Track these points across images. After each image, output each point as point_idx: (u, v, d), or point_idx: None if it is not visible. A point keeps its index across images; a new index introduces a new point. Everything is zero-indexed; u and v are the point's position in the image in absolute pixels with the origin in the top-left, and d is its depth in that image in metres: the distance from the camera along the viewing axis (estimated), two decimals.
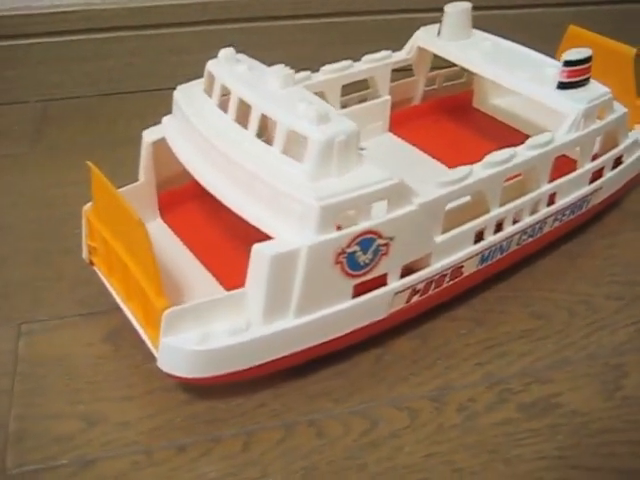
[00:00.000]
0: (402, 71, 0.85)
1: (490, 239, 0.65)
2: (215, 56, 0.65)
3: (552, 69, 0.72)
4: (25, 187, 0.85)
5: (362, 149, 0.80)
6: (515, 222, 0.67)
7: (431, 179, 0.75)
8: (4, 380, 0.61)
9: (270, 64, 0.99)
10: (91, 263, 0.66)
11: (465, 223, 0.63)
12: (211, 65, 0.63)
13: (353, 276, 0.56)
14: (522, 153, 0.64)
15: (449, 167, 0.77)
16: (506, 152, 0.63)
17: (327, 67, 0.76)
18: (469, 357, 0.64)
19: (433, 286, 0.63)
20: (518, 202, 0.66)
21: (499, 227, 0.66)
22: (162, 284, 0.54)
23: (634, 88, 0.84)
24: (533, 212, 0.68)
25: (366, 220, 0.55)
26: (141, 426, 0.57)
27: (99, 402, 0.59)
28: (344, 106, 0.80)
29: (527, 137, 0.82)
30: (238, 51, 0.66)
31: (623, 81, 0.84)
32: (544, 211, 0.69)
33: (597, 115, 0.71)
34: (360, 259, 0.56)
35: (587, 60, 0.70)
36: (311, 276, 0.54)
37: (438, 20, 0.82)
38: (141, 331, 0.58)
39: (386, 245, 0.57)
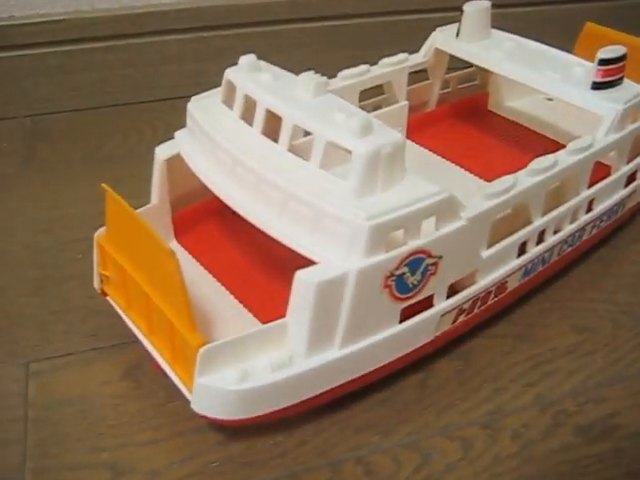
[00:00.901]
0: (414, 74, 0.81)
1: (533, 251, 0.61)
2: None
3: (580, 68, 0.69)
4: (19, 210, 0.79)
5: None
6: (556, 232, 0.63)
7: (458, 187, 0.71)
8: (15, 428, 0.55)
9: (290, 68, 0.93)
10: (103, 293, 0.60)
11: (505, 235, 0.59)
12: (231, 73, 0.58)
13: (401, 299, 0.52)
14: (564, 159, 0.61)
15: (472, 173, 0.74)
16: (549, 159, 0.59)
17: (344, 72, 0.72)
18: (516, 377, 0.60)
19: (479, 304, 0.59)
20: (559, 211, 0.62)
21: (541, 238, 0.62)
22: (195, 320, 0.49)
23: None
24: (573, 220, 0.65)
25: (415, 239, 0.50)
26: (173, 474, 0.52)
27: (124, 448, 0.54)
28: None
29: (545, 138, 0.81)
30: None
31: None
32: (583, 218, 0.66)
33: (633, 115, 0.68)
34: (409, 281, 0.51)
35: (622, 58, 0.66)
36: (359, 303, 0.49)
37: (445, 21, 0.79)
38: (167, 368, 0.53)
39: (435, 264, 0.52)
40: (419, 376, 0.60)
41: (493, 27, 0.77)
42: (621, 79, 0.67)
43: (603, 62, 0.66)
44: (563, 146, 0.65)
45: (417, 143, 0.79)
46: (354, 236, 0.48)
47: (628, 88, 0.68)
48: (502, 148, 0.79)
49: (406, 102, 0.78)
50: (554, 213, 0.62)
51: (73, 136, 0.91)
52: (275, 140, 0.54)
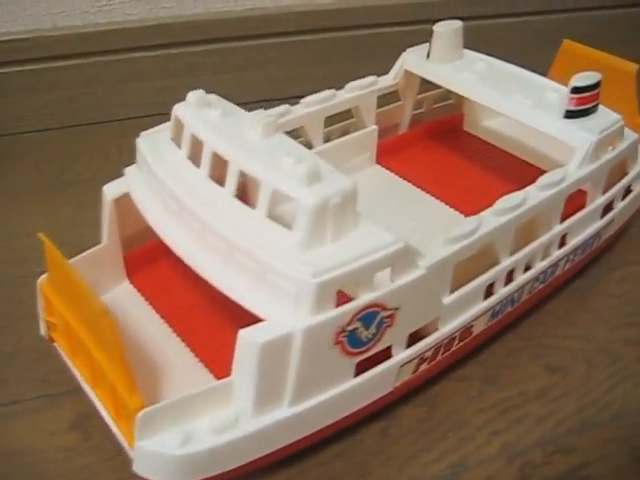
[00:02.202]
0: (387, 95, 0.78)
1: (501, 292, 0.58)
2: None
3: (554, 94, 0.66)
4: None
5: None
6: (526, 269, 0.61)
7: (426, 217, 0.69)
8: None
9: (242, 86, 0.92)
10: (51, 339, 0.57)
11: (472, 275, 0.56)
12: (179, 110, 0.55)
13: (355, 354, 0.49)
14: (533, 195, 0.58)
15: (443, 201, 0.71)
16: (517, 196, 0.56)
17: (308, 99, 0.69)
18: (483, 425, 0.58)
19: (442, 351, 0.56)
20: (530, 248, 0.59)
21: (509, 277, 0.59)
22: (135, 380, 0.46)
23: (637, 106, 0.78)
24: (545, 256, 0.62)
25: (368, 292, 0.47)
26: None
27: None
28: (327, 139, 0.73)
29: (521, 161, 0.78)
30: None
31: (624, 98, 0.78)
32: (556, 254, 0.63)
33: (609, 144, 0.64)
34: (362, 335, 0.48)
35: (596, 85, 0.63)
36: (307, 361, 0.46)
37: (423, 34, 0.75)
38: (112, 424, 0.50)
39: (391, 316, 0.49)
40: (380, 424, 0.57)
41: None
42: (596, 107, 0.64)
43: (576, 90, 0.63)
44: (542, 171, 0.63)
45: (387, 168, 0.76)
46: (300, 293, 0.45)
47: (603, 116, 0.65)
48: (477, 174, 0.76)
49: (375, 126, 0.74)
50: (524, 251, 0.59)
51: (37, 158, 0.88)
52: (223, 183, 0.51)
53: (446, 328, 0.54)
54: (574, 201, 0.63)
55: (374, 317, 0.48)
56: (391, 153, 0.77)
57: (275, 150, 0.49)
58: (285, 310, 0.46)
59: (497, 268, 0.57)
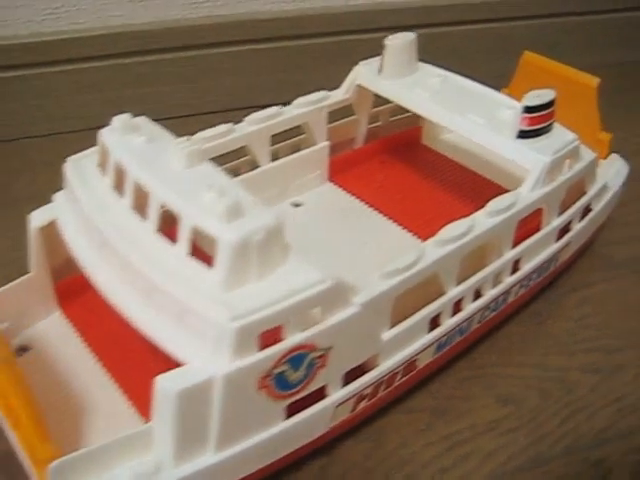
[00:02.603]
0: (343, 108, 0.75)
1: (448, 323, 0.56)
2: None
3: (510, 112, 0.63)
4: None
5: (298, 205, 0.71)
6: (476, 297, 0.58)
7: (377, 241, 0.66)
8: None
9: (196, 97, 0.88)
10: None
11: (417, 306, 0.54)
12: (104, 135, 0.52)
13: (284, 397, 0.46)
14: (482, 222, 0.55)
15: (397, 223, 0.68)
16: (463, 224, 0.54)
17: (253, 116, 0.66)
18: (430, 462, 0.55)
19: (383, 387, 0.53)
20: (479, 276, 0.57)
21: (457, 307, 0.57)
22: (46, 428, 0.44)
23: (599, 121, 0.75)
24: (496, 284, 0.59)
25: (296, 333, 0.44)
26: None
27: None
28: (275, 157, 0.70)
29: (482, 178, 0.75)
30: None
31: (586, 113, 0.75)
32: (508, 280, 0.60)
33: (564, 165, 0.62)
34: (291, 378, 0.46)
35: (550, 104, 0.60)
36: (230, 407, 0.44)
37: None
38: (29, 468, 0.48)
39: (322, 357, 0.47)
40: (320, 462, 0.54)
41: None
42: (550, 126, 0.61)
43: (529, 110, 0.60)
44: (503, 189, 0.60)
45: (340, 186, 0.73)
46: (219, 337, 0.42)
47: (559, 136, 0.62)
48: (436, 193, 0.73)
49: (326, 143, 0.72)
50: (472, 280, 0.56)
51: None
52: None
53: (386, 364, 0.52)
54: (531, 220, 0.61)
55: (303, 358, 0.46)
56: (344, 170, 0.74)
57: (198, 182, 0.46)
58: (205, 354, 0.43)
59: (442, 299, 0.54)
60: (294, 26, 0.93)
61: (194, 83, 0.92)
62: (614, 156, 0.77)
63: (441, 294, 0.55)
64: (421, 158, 0.78)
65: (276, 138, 0.70)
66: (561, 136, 0.62)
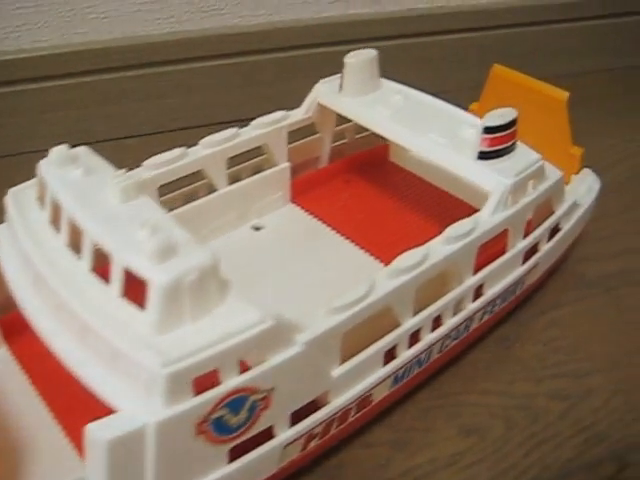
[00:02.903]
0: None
1: (405, 355, 0.54)
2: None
3: (472, 131, 0.61)
4: None
5: (258, 228, 0.69)
6: (436, 327, 0.56)
7: (339, 266, 0.64)
8: None
9: (164, 113, 0.86)
10: None
11: (371, 337, 0.52)
12: (42, 167, 0.50)
13: (224, 441, 0.44)
14: (438, 250, 0.53)
15: (361, 247, 0.66)
16: (418, 253, 0.52)
17: (207, 139, 0.64)
18: None
19: (335, 424, 0.51)
20: (437, 305, 0.55)
21: (415, 337, 0.55)
22: None
23: (569, 135, 0.73)
24: (457, 312, 0.57)
25: (233, 376, 0.43)
26: None
27: None
28: (235, 179, 0.68)
29: (451, 197, 0.73)
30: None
31: (556, 128, 0.73)
32: (471, 307, 0.58)
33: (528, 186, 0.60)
34: (231, 422, 0.44)
35: (511, 124, 0.58)
36: (166, 454, 0.42)
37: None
38: None
39: (265, 398, 0.45)
40: None
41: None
42: (512, 146, 0.60)
43: (489, 130, 0.58)
44: (474, 209, 0.58)
45: (303, 208, 0.71)
46: (151, 384, 0.40)
47: (522, 155, 0.60)
48: (403, 213, 0.70)
49: (287, 164, 0.70)
50: (430, 309, 0.54)
51: None
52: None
53: (338, 401, 0.50)
54: (497, 242, 0.59)
55: (244, 402, 0.44)
56: (308, 190, 0.72)
57: (131, 219, 0.44)
58: (137, 401, 0.41)
59: (397, 331, 0.52)
60: (263, 40, 0.92)
61: (161, 100, 0.90)
62: (586, 171, 0.75)
63: (397, 325, 0.53)
64: (388, 177, 0.76)
65: (238, 159, 0.68)
66: (524, 156, 0.60)
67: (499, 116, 0.58)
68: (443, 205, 0.72)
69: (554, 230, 0.66)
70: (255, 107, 0.91)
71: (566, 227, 0.67)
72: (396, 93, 0.67)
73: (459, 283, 0.56)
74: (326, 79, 0.70)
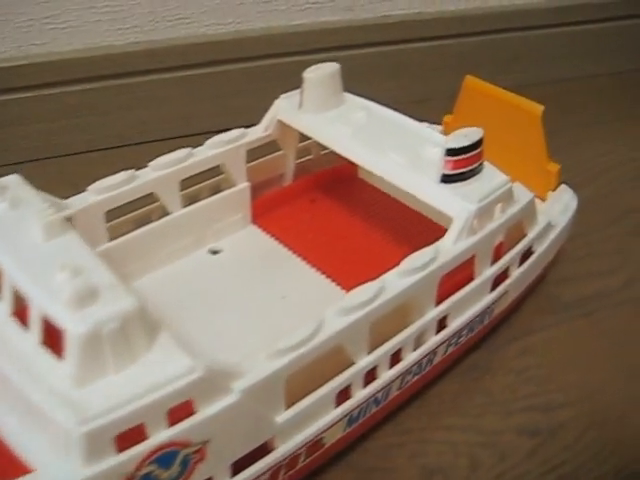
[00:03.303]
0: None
1: (359, 395, 0.50)
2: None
3: (437, 150, 0.57)
4: None
5: (216, 252, 0.66)
6: (395, 363, 0.53)
7: (298, 295, 0.61)
8: None
9: (127, 127, 0.82)
10: None
11: (322, 375, 0.48)
12: None
13: None
14: (393, 284, 0.50)
15: (320, 270, 0.63)
16: (372, 287, 0.48)
17: (158, 160, 0.60)
18: None
19: (283, 471, 0.48)
20: (395, 341, 0.51)
21: (371, 375, 0.51)
22: None
23: (545, 151, 0.70)
24: (418, 346, 0.54)
25: (161, 430, 0.39)
26: None
27: None
28: (193, 199, 0.65)
29: (420, 215, 0.69)
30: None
31: (531, 142, 0.70)
32: (433, 341, 0.55)
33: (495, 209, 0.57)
34: (162, 477, 0.40)
35: (477, 144, 0.55)
36: None
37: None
38: None
39: (199, 451, 0.41)
40: None
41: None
42: (478, 168, 0.56)
43: (452, 152, 0.54)
44: (443, 229, 0.55)
45: (264, 230, 0.68)
46: (67, 442, 0.37)
47: (488, 178, 0.56)
48: (370, 236, 0.67)
49: (246, 184, 0.66)
50: (387, 346, 0.51)
51: None
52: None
53: (284, 448, 0.46)
54: (464, 269, 0.56)
55: (175, 456, 0.40)
56: (270, 211, 0.69)
57: (53, 259, 0.41)
58: (56, 459, 0.38)
59: (351, 370, 0.49)
60: (231, 49, 0.88)
61: (126, 113, 0.87)
62: (563, 187, 0.72)
63: (351, 363, 0.50)
64: (356, 194, 0.72)
65: (196, 178, 0.65)
66: (491, 178, 0.57)
67: (464, 136, 0.55)
68: (413, 225, 0.68)
69: (527, 253, 0.63)
70: (225, 119, 0.88)
71: (540, 250, 0.64)
72: (359, 109, 0.64)
73: (420, 315, 0.53)
74: (287, 94, 0.67)
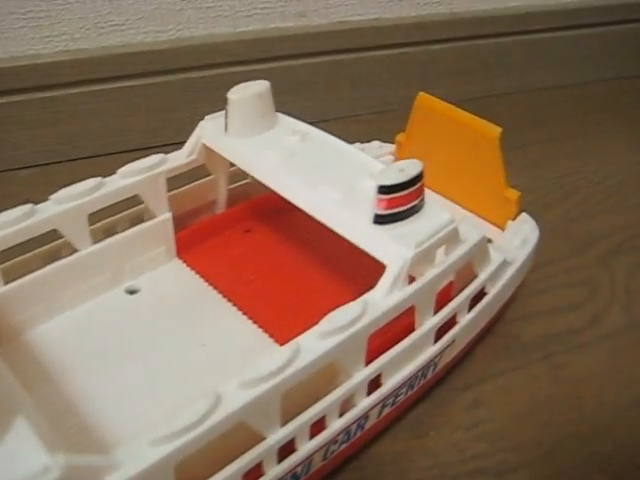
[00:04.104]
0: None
1: (273, 473, 0.44)
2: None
3: (371, 183, 0.50)
4: None
5: (133, 292, 0.59)
6: (317, 432, 0.46)
7: (220, 346, 0.54)
8: None
9: (61, 142, 0.76)
10: None
11: (231, 450, 0.42)
12: None
13: None
14: (311, 347, 0.43)
15: (247, 315, 0.56)
16: (283, 353, 0.42)
17: (61, 193, 0.53)
18: None
19: None
20: (316, 409, 0.45)
21: (288, 448, 0.45)
22: None
23: (503, 176, 0.63)
24: (345, 411, 0.47)
25: None
26: None
27: None
28: (110, 232, 0.58)
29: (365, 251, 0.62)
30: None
31: (489, 167, 0.64)
32: (363, 404, 0.48)
33: (438, 252, 0.50)
34: None
35: (415, 181, 0.48)
36: None
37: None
38: None
39: None
40: None
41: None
42: (417, 206, 0.49)
43: (385, 190, 0.48)
44: None
45: (189, 266, 0.61)
46: None
47: (428, 217, 0.50)
48: (309, 273, 0.60)
49: (168, 215, 0.59)
50: (305, 416, 0.44)
51: None
52: None
53: None
54: (404, 316, 0.49)
55: None
56: (198, 243, 0.62)
57: None
58: None
59: (261, 447, 0.42)
60: (172, 59, 0.81)
61: (56, 127, 0.80)
62: (524, 216, 0.65)
63: (261, 439, 0.43)
64: (296, 224, 0.65)
65: (114, 208, 0.58)
66: (433, 217, 0.50)
67: (399, 171, 0.48)
68: (359, 262, 0.61)
69: (479, 295, 0.56)
70: (166, 133, 0.82)
71: (493, 291, 0.57)
72: (292, 133, 0.57)
73: (347, 377, 0.47)
74: (213, 115, 0.60)
